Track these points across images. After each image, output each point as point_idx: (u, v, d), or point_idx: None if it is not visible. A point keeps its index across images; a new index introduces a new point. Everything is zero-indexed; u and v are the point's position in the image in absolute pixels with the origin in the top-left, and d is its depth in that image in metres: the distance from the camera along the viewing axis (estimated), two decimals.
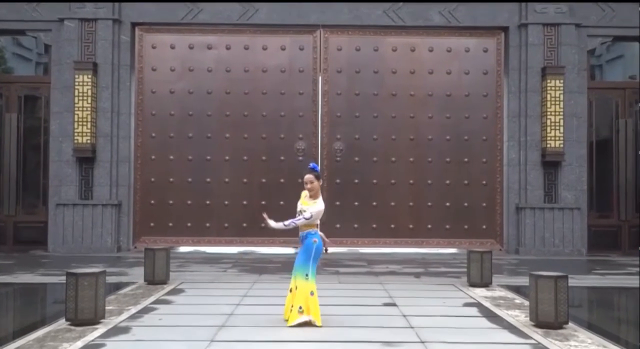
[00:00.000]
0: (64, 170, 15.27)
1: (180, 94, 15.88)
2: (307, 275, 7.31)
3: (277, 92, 15.88)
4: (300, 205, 7.51)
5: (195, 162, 15.80)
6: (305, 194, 7.57)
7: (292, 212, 7.68)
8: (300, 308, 7.26)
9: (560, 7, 15.50)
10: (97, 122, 15.30)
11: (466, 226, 15.76)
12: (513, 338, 7.04)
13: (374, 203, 15.74)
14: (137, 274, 11.30)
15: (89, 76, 15.08)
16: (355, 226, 15.69)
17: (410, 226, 15.76)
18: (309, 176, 7.46)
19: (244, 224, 15.68)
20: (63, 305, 7.44)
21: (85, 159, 15.26)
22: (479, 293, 9.73)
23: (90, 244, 15.08)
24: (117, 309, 8.22)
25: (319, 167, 7.73)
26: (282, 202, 14.94)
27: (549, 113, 15.23)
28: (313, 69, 15.94)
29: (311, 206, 7.37)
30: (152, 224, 15.69)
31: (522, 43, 15.62)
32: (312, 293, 7.31)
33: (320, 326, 7.24)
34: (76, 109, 15.03)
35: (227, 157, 15.81)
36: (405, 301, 9.10)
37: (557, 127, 15.19)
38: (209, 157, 15.80)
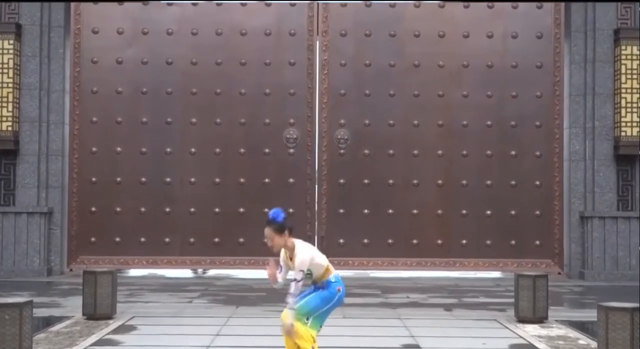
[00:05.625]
0: None
1: (130, 65, 15.88)
2: (307, 319, 7.17)
3: (260, 62, 15.89)
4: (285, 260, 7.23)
5: (150, 157, 15.81)
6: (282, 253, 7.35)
7: None
8: None
9: None
10: (21, 102, 15.29)
11: (513, 242, 15.79)
12: None
13: (390, 211, 15.77)
14: (73, 305, 11.30)
15: (10, 42, 15.07)
16: (365, 241, 15.72)
17: (439, 242, 15.79)
18: (266, 231, 7.09)
19: (216, 239, 15.70)
20: None
21: (5, 152, 15.25)
22: (531, 331, 9.75)
23: (12, 265, 15.08)
24: None
25: (282, 216, 7.11)
26: (266, 210, 14.89)
27: (623, 90, 15.25)
28: (308, 30, 15.96)
29: (295, 260, 7.10)
30: (92, 239, 15.70)
31: None
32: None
33: None
34: None
35: (193, 150, 15.82)
36: (432, 342, 9.10)
37: (635, 109, 15.21)
38: (169, 150, 15.82)
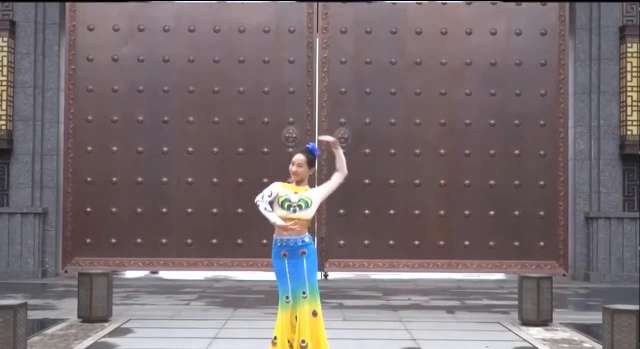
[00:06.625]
0: None
1: (126, 63, 15.89)
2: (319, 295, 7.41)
3: (259, 59, 15.90)
4: (280, 191, 7.33)
5: (146, 156, 15.82)
6: (281, 185, 7.44)
7: None
8: (304, 341, 7.25)
9: None
10: (15, 100, 15.30)
11: (517, 243, 15.79)
12: None
13: (392, 212, 15.77)
14: (68, 307, 11.31)
15: (4, 39, 15.08)
16: (366, 242, 15.71)
17: (441, 243, 15.79)
18: (300, 157, 7.34)
19: (214, 240, 15.70)
20: None
21: None
22: (535, 334, 9.75)
23: (6, 266, 15.08)
24: None
25: (317, 151, 7.53)
26: None
27: (629, 88, 15.24)
28: (308, 27, 15.97)
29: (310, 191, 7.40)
30: (88, 240, 15.71)
31: None
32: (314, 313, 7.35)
33: None
34: None
35: (190, 149, 15.82)
36: (434, 345, 9.11)
37: None
38: (165, 149, 15.82)
